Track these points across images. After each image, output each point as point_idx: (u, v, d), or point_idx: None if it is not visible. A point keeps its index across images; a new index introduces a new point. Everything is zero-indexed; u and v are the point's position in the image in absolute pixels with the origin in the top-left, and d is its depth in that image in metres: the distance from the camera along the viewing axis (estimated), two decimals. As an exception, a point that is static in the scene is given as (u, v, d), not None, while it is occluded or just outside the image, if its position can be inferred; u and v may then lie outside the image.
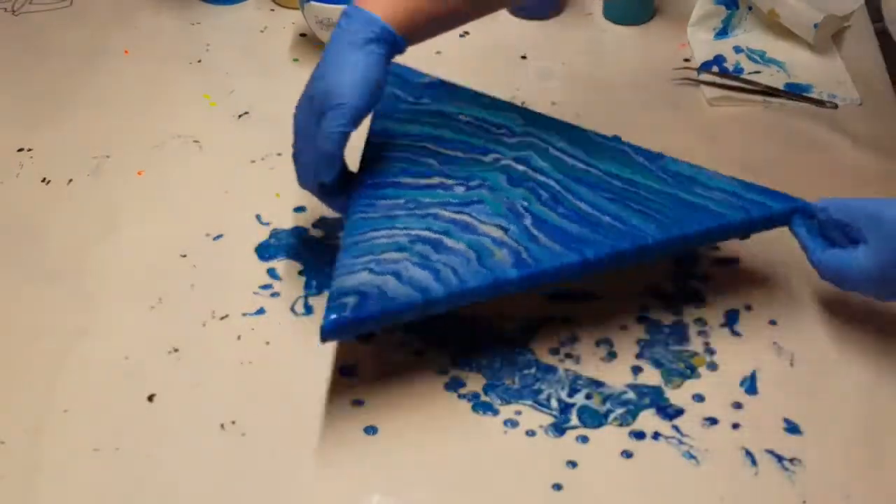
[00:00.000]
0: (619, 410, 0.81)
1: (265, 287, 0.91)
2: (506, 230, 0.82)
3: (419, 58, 1.07)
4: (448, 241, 0.82)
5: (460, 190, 0.86)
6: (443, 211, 0.84)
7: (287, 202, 0.99)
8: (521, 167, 0.89)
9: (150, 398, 0.82)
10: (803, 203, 0.84)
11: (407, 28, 0.83)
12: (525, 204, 0.85)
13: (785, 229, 0.87)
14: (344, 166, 0.85)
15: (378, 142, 0.90)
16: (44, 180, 1.02)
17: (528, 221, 0.83)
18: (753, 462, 0.77)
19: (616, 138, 0.93)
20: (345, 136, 0.81)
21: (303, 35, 1.22)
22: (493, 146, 0.91)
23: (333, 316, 0.76)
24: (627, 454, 0.78)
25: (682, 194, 0.86)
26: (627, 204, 0.85)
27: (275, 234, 0.96)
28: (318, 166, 0.83)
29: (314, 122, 0.82)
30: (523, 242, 0.81)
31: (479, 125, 0.93)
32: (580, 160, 0.90)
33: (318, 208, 0.95)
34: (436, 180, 0.87)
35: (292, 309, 0.89)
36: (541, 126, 0.94)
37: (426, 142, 0.91)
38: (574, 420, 0.80)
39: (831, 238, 0.82)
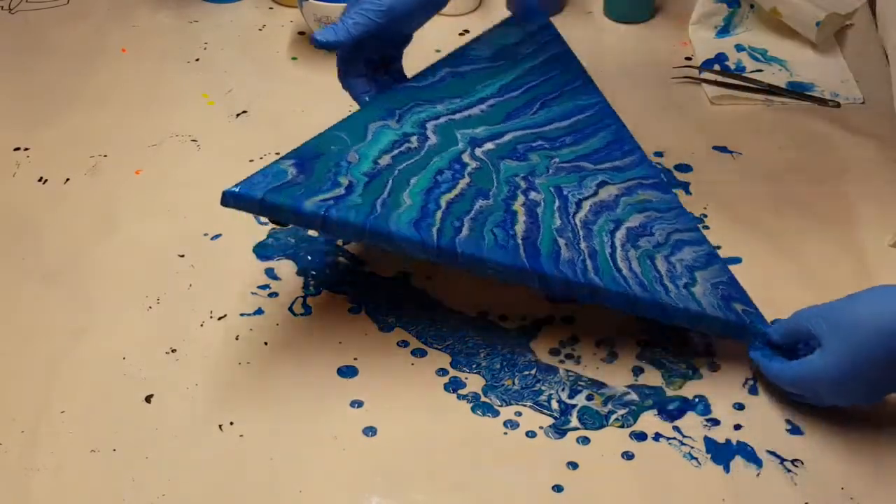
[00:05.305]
0: (621, 411, 0.81)
1: (263, 287, 0.90)
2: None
3: (419, 57, 1.06)
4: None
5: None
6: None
7: (286, 201, 0.98)
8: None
9: (148, 399, 0.81)
10: (752, 324, 0.82)
11: None
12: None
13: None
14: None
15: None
16: (41, 180, 1.02)
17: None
18: (755, 463, 0.77)
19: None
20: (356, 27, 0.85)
21: (301, 33, 1.22)
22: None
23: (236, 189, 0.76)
24: (629, 455, 0.78)
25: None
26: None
27: (273, 234, 0.95)
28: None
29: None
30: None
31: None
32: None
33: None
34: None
35: (290, 309, 0.88)
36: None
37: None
38: (575, 421, 0.80)
39: (793, 353, 0.79)
